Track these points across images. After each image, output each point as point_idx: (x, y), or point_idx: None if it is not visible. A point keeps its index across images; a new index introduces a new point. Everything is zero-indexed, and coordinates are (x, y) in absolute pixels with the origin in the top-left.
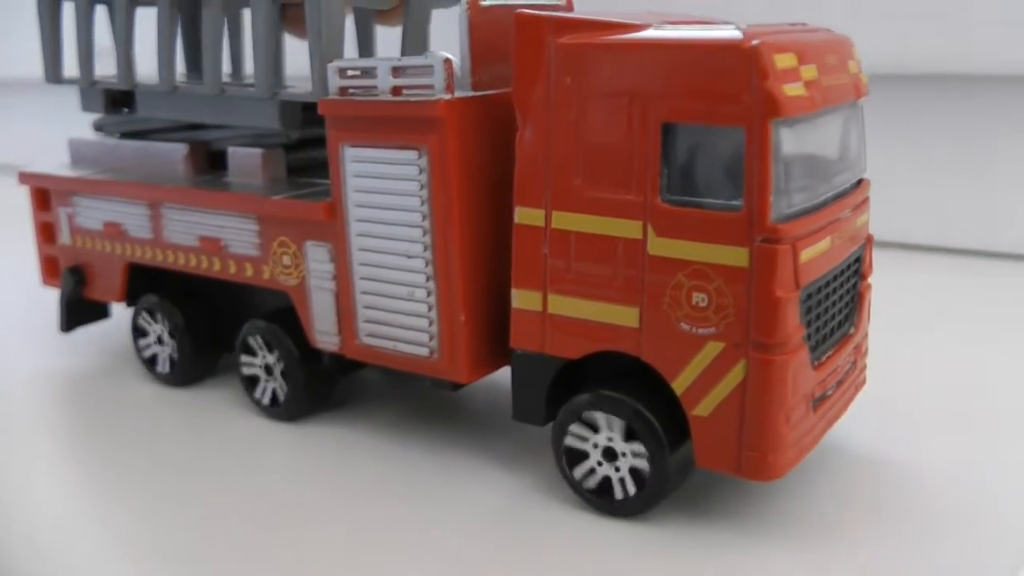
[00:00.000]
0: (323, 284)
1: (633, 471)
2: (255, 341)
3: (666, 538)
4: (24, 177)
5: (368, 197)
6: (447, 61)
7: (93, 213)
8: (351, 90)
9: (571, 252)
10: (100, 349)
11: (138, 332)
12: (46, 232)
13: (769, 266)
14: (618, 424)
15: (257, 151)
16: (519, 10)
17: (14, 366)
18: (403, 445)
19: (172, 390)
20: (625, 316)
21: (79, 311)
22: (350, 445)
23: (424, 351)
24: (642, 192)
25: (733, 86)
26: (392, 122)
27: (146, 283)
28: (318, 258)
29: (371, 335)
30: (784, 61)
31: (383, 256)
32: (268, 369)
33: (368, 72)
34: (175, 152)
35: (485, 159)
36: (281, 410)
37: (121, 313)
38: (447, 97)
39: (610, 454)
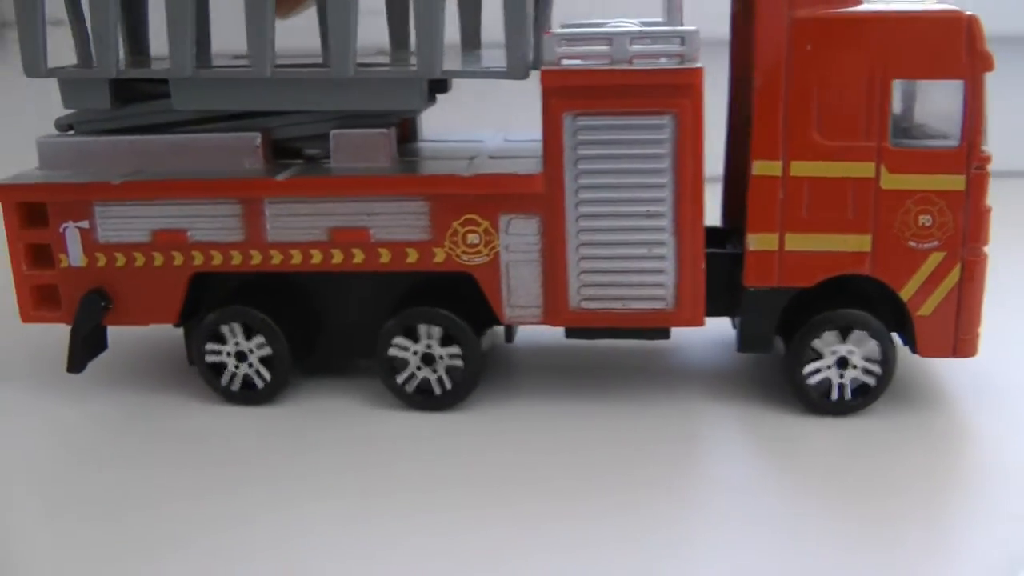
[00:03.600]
0: (527, 257)
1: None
2: (423, 331)
3: None
4: (3, 191)
5: (598, 164)
6: (697, 31)
7: (134, 223)
8: (564, 60)
9: (806, 195)
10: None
11: (211, 347)
12: (34, 256)
13: (981, 187)
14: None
15: (379, 131)
16: None
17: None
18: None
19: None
20: (858, 243)
21: (90, 345)
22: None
23: (660, 304)
24: (874, 139)
25: (956, 48)
26: (638, 90)
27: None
28: (522, 231)
29: (593, 300)
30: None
31: (613, 220)
32: (427, 358)
33: (596, 40)
34: (242, 142)
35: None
36: (441, 399)
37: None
38: (699, 65)
39: (843, 362)
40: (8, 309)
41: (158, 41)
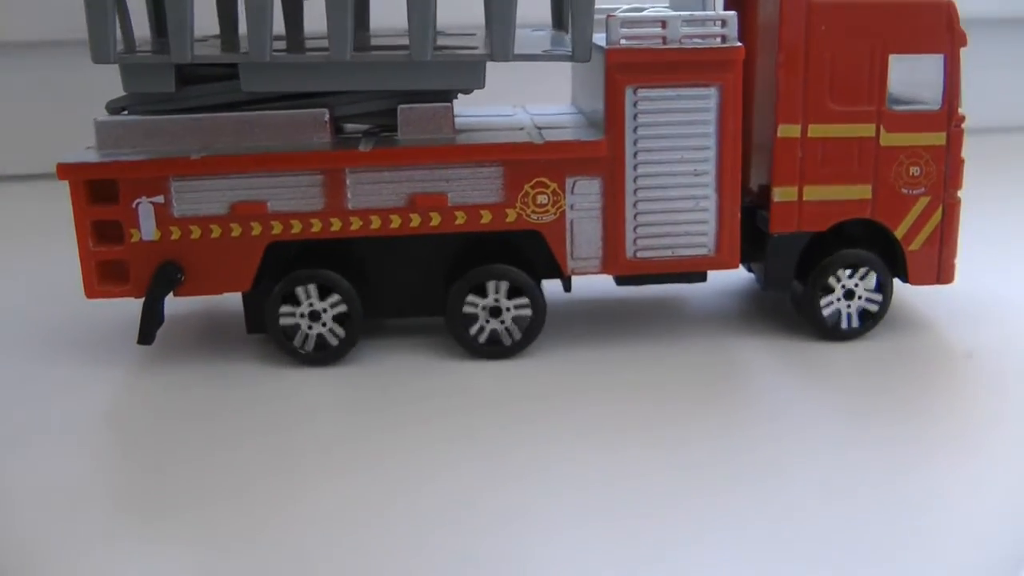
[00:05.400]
0: (589, 215)
1: (869, 301)
2: (492, 286)
3: None
4: (71, 170)
5: (655, 129)
6: (735, 14)
7: (211, 196)
8: (624, 40)
9: (820, 153)
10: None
11: (285, 308)
12: (102, 232)
13: (958, 142)
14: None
15: (443, 105)
16: None
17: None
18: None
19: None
20: (862, 192)
21: (157, 317)
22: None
23: (703, 250)
24: (874, 103)
25: (938, 28)
26: (690, 65)
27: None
28: (585, 191)
29: (647, 249)
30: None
31: (665, 178)
32: (495, 311)
33: (652, 23)
34: (311, 118)
35: None
36: (510, 348)
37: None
38: (740, 44)
39: (850, 294)
40: (56, 287)
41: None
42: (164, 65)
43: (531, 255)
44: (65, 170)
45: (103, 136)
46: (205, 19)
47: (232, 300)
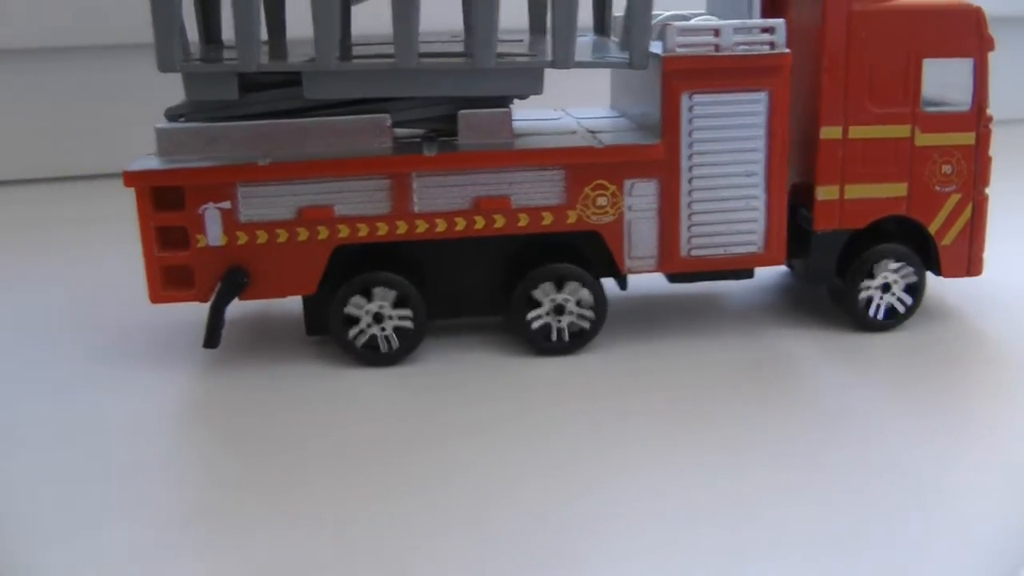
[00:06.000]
0: (646, 215)
1: (908, 287)
2: (544, 288)
3: None
4: (138, 177)
5: (709, 133)
6: (783, 22)
7: (278, 201)
8: (679, 48)
9: (860, 153)
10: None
11: (349, 316)
12: (166, 238)
13: (986, 140)
14: (896, 264)
15: (502, 111)
16: None
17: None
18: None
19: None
20: (898, 190)
21: (223, 321)
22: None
23: (753, 248)
24: (909, 105)
25: (967, 33)
26: (742, 72)
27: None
28: (643, 192)
29: (700, 247)
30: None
31: (718, 179)
32: (559, 309)
33: (706, 32)
34: (373, 123)
35: None
36: (574, 344)
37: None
38: (788, 51)
39: (886, 287)
40: (115, 290)
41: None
42: (228, 73)
43: (586, 255)
44: (132, 177)
45: (164, 143)
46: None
47: (284, 303)
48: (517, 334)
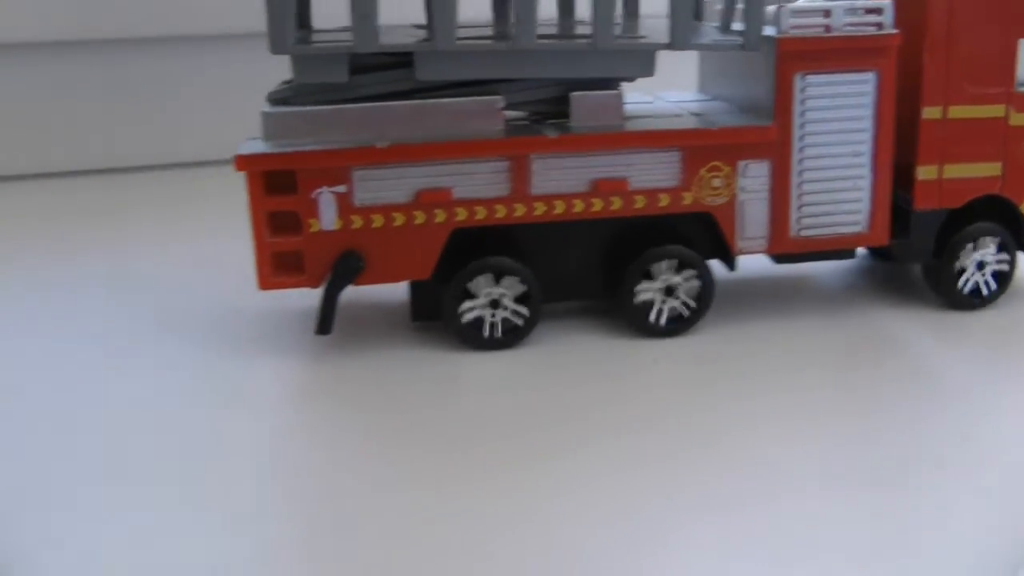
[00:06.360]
0: (758, 196)
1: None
2: (664, 266)
3: None
4: (249, 161)
5: (819, 113)
6: (890, 3)
7: (395, 184)
8: (792, 30)
9: (959, 133)
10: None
11: (462, 298)
12: (277, 223)
13: None
14: (991, 243)
15: (614, 93)
16: None
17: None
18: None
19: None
20: (993, 169)
21: (335, 306)
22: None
23: (858, 228)
24: (1004, 85)
25: None
26: (852, 52)
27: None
28: (755, 174)
29: (809, 228)
30: None
31: (827, 159)
32: (669, 290)
33: (818, 14)
34: (485, 105)
35: None
36: (682, 325)
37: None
38: (895, 31)
39: (981, 265)
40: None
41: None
42: (340, 55)
43: (692, 237)
44: (244, 162)
45: (271, 127)
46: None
47: (384, 289)
48: (624, 314)
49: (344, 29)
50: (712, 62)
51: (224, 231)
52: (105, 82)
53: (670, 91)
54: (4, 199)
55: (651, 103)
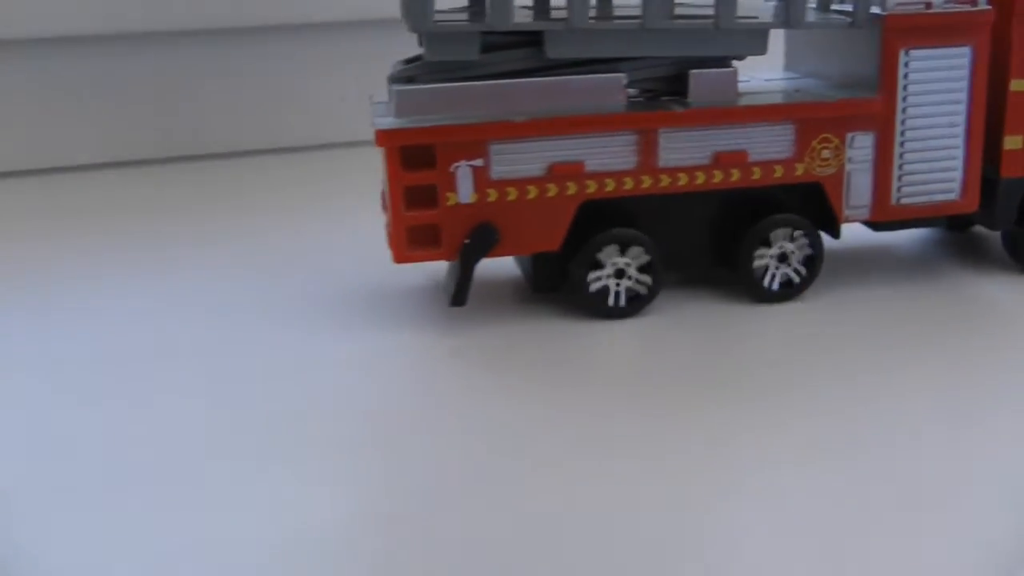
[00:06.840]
0: (863, 167)
1: None
2: (780, 234)
3: None
4: (390, 136)
5: (920, 86)
6: None
7: (531, 158)
8: (898, 7)
9: None
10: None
11: (589, 268)
12: (414, 197)
13: None
14: None
15: (730, 70)
16: None
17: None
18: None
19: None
20: None
21: (471, 277)
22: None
23: (952, 195)
24: None
25: None
26: (951, 28)
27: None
28: (862, 145)
29: (907, 196)
30: None
31: (926, 130)
32: (783, 257)
33: None
34: (610, 82)
35: None
36: (792, 291)
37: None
38: (989, 7)
39: None
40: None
41: None
42: (472, 33)
43: (794, 207)
44: (385, 136)
45: (403, 104)
46: None
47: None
48: (740, 278)
49: (464, 9)
50: (801, 42)
51: (336, 212)
52: (223, 70)
53: (761, 70)
54: (135, 183)
55: (749, 81)
